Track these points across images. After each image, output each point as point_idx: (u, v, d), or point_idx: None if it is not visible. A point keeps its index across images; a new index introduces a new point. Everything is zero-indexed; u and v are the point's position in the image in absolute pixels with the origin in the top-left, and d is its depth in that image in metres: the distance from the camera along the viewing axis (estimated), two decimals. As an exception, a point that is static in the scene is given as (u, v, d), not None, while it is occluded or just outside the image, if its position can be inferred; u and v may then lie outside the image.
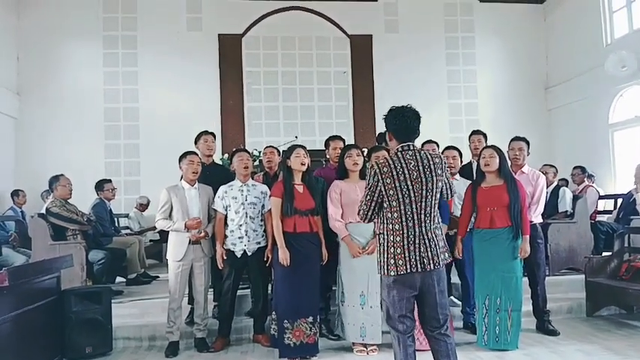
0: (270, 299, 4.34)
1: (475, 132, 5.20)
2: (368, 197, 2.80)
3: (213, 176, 4.52)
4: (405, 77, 9.44)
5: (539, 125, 9.66)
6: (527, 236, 4.04)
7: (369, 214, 2.82)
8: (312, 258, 3.97)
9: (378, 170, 2.76)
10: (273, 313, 4.09)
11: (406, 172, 2.72)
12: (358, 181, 4.09)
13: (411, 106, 2.85)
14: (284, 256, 3.83)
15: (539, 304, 4.42)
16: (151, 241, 7.87)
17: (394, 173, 2.72)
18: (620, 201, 6.66)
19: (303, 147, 4.10)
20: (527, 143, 4.59)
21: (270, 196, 4.07)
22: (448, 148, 4.71)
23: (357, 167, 4.10)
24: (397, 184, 2.71)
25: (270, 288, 4.40)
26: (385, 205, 2.76)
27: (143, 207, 8.26)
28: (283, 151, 4.22)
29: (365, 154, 4.29)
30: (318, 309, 4.05)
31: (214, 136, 4.84)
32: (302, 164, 4.00)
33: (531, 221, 4.22)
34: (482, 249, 4.03)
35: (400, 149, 2.80)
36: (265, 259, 4.17)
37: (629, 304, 4.95)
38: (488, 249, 3.99)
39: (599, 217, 6.75)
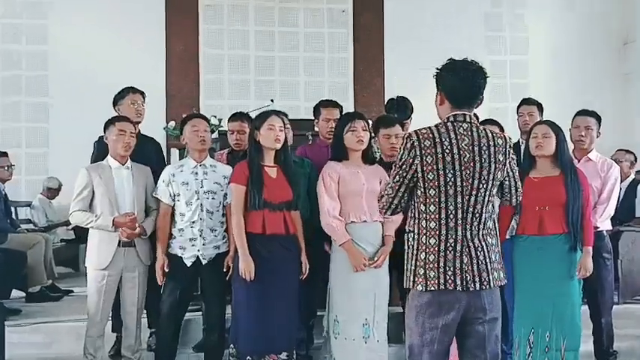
0: (228, 327, 4.37)
1: (525, 101, 5.23)
2: (397, 179, 2.77)
3: (141, 153, 4.49)
4: (427, 22, 9.45)
5: (613, 95, 9.72)
6: (590, 248, 4.08)
7: (395, 202, 2.79)
8: (286, 270, 4.00)
9: (417, 143, 2.71)
10: (231, 346, 4.11)
11: (455, 150, 2.69)
12: (362, 164, 4.11)
13: (476, 62, 2.83)
14: (247, 267, 3.84)
15: (603, 342, 4.50)
16: (62, 241, 7.86)
17: (439, 150, 2.69)
18: None
19: (283, 114, 4.11)
20: (599, 120, 4.64)
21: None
22: (485, 121, 4.74)
23: (361, 145, 4.09)
24: (440, 166, 2.68)
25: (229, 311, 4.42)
26: (419, 193, 2.74)
27: (52, 193, 8.21)
28: (253, 119, 4.20)
29: (371, 127, 4.28)
30: (294, 341, 4.09)
31: (144, 96, 4.79)
32: (277, 140, 3.98)
33: (596, 227, 4.28)
34: (526, 263, 4.07)
35: (452, 119, 2.77)
36: (225, 269, 4.19)
37: None
38: (536, 264, 4.02)
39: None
